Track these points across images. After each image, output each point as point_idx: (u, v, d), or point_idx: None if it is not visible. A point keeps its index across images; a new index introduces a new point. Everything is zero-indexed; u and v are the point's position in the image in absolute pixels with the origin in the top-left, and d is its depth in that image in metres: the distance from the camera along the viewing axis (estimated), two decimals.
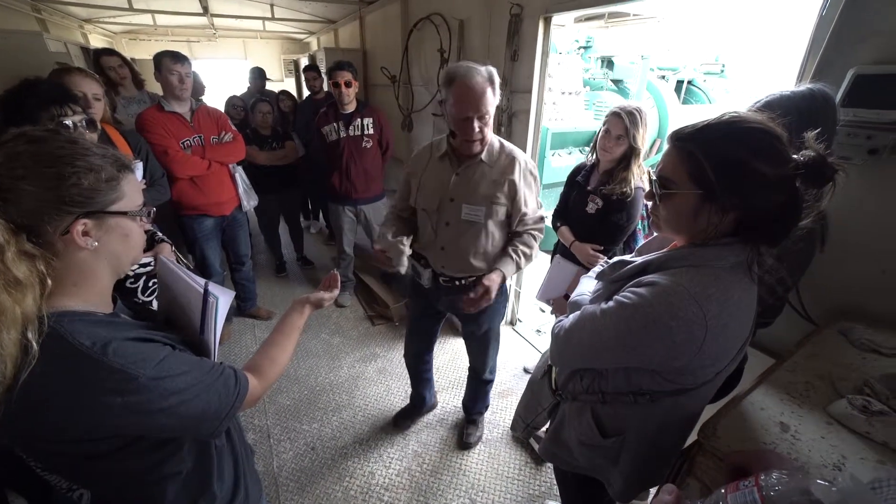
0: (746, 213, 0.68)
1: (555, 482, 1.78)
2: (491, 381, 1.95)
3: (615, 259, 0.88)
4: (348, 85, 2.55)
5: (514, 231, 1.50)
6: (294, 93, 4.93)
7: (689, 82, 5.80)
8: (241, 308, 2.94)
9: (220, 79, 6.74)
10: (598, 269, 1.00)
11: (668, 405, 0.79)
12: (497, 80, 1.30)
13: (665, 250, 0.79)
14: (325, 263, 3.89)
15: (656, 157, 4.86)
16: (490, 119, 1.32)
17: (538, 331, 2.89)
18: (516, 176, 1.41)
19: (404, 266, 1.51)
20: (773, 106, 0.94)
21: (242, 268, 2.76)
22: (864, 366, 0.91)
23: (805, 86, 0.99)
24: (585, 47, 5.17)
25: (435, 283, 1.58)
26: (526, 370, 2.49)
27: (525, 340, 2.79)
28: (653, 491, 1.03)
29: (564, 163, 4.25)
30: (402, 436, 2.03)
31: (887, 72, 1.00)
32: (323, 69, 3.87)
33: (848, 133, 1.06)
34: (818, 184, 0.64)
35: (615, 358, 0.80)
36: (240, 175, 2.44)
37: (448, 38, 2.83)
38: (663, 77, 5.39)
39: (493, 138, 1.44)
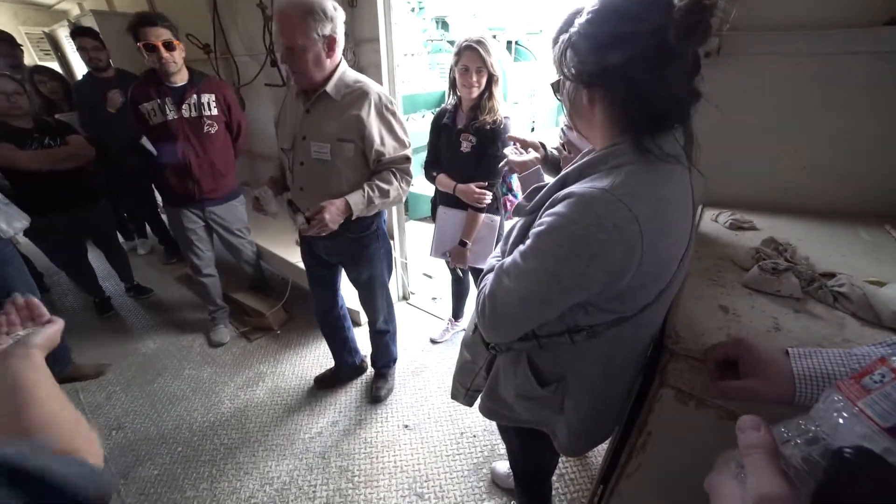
0: (632, 89, 0.59)
1: (496, 442, 1.76)
2: (387, 332, 1.92)
3: (531, 188, 0.77)
4: (170, 47, 1.86)
5: (375, 171, 1.43)
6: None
7: (516, 42, 6.26)
8: None
9: None
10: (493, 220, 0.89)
11: (608, 338, 0.71)
12: (323, 7, 1.21)
13: (582, 155, 0.70)
14: (170, 288, 3.11)
15: None
16: (309, 54, 1.24)
17: (434, 298, 2.83)
18: (364, 112, 1.33)
19: (273, 209, 1.52)
20: None
21: None
22: (742, 240, 1.04)
23: None
24: (420, 8, 5.07)
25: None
26: (433, 341, 2.41)
27: (423, 311, 2.70)
28: (603, 446, 0.99)
29: (420, 127, 4.17)
30: (320, 457, 1.74)
31: None
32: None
33: None
34: (692, 30, 0.53)
35: (554, 303, 0.66)
36: None
37: None
38: (494, 37, 5.67)
39: (347, 72, 1.38)
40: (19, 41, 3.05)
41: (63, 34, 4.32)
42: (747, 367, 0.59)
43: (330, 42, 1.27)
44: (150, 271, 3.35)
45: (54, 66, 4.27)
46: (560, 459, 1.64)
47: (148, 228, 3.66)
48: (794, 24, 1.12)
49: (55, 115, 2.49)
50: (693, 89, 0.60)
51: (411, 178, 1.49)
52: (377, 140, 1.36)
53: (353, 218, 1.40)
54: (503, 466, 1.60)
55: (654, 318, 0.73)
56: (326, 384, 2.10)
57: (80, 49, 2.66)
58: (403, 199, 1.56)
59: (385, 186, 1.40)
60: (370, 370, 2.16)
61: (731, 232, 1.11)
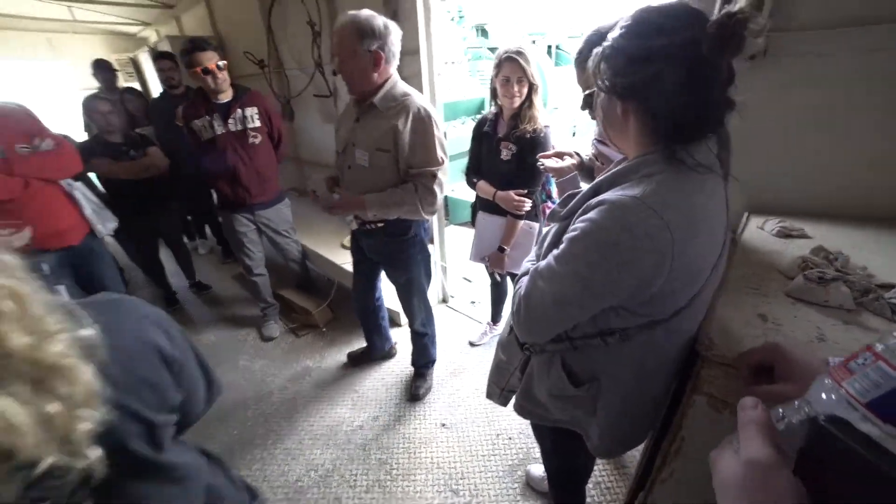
0: (666, 101, 0.61)
1: (531, 445, 1.77)
2: (425, 335, 2.02)
3: (565, 194, 0.80)
4: (220, 68, 2.03)
5: (403, 180, 1.52)
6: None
7: (557, 46, 6.19)
8: None
9: (17, 84, 4.91)
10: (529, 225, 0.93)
11: (641, 342, 0.73)
12: (372, 26, 1.31)
13: (615, 164, 0.72)
14: (226, 285, 3.38)
15: None
16: (355, 67, 1.36)
17: (473, 302, 2.87)
18: (401, 123, 1.41)
19: (327, 197, 1.63)
20: None
21: None
22: (790, 248, 1.01)
23: None
24: (459, 17, 5.17)
25: (357, 224, 1.67)
26: (471, 344, 2.45)
27: (462, 314, 2.74)
28: (636, 451, 1.00)
29: (460, 133, 4.24)
30: (361, 449, 1.83)
31: None
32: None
33: None
34: (726, 42, 0.54)
35: (586, 307, 0.70)
36: (81, 193, 1.90)
37: (316, 7, 2.54)
38: (534, 42, 5.66)
39: (397, 86, 1.46)
40: (114, 67, 3.50)
41: (143, 58, 4.84)
42: (782, 374, 0.58)
43: (376, 57, 1.35)
44: (209, 269, 3.64)
45: (136, 85, 4.80)
46: (596, 467, 1.63)
47: (207, 230, 4.00)
48: (848, 20, 1.07)
49: (135, 130, 2.82)
50: (727, 99, 0.61)
51: (434, 196, 1.50)
52: (408, 151, 1.44)
53: (370, 216, 1.53)
54: (538, 470, 1.61)
55: (687, 324, 0.73)
56: (357, 361, 2.33)
57: (160, 70, 3.01)
58: (424, 214, 1.54)
59: (403, 196, 1.47)
60: (401, 362, 2.28)
61: (779, 240, 1.07)
